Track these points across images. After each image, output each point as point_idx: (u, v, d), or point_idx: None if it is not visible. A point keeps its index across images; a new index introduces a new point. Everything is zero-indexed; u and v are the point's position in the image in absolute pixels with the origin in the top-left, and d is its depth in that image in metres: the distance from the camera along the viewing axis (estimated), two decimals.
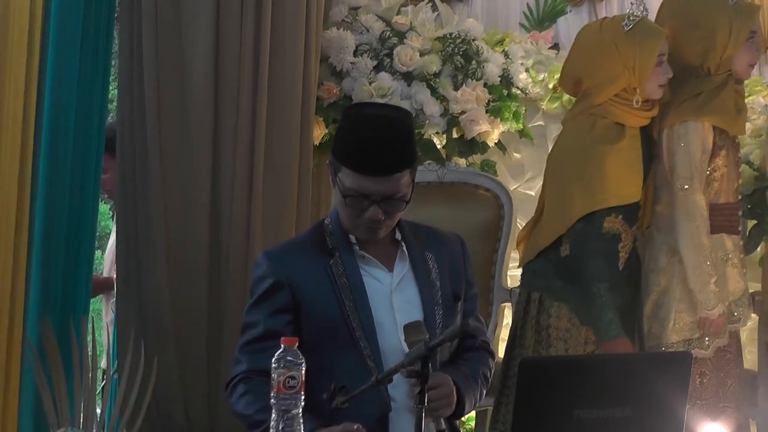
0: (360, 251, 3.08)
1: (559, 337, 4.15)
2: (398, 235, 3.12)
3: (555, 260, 4.18)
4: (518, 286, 4.37)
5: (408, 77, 4.83)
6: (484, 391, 3.17)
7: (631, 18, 4.12)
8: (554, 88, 5.02)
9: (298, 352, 2.54)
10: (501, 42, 5.10)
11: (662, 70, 4.15)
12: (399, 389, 2.97)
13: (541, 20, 5.40)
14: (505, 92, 4.96)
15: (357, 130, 3.00)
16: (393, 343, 3.01)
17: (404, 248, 3.12)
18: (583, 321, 4.11)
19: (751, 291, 4.38)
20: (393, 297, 3.06)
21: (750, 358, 4.75)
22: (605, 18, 4.48)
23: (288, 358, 2.53)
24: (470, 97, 4.81)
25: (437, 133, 4.88)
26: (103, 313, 5.40)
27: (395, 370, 2.64)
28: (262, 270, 3.09)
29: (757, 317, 4.59)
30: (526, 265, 4.30)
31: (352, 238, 3.09)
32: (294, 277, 3.05)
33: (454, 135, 4.90)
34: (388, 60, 4.83)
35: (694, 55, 4.23)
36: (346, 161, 2.98)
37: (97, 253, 5.16)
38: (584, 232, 4.08)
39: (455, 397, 2.97)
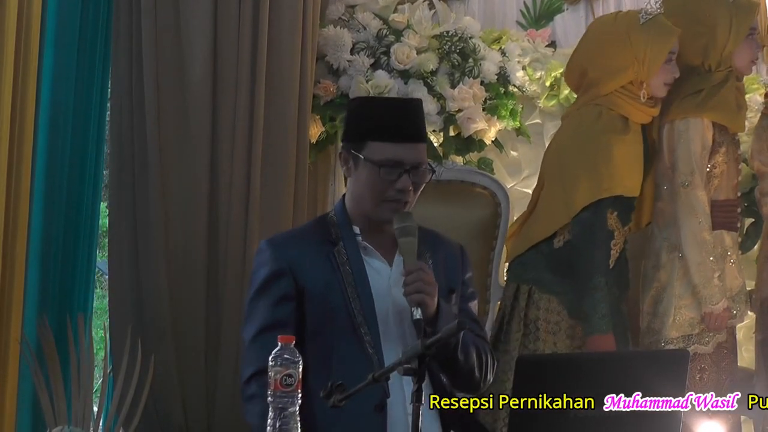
0: (362, 242, 3.11)
1: (549, 331, 4.14)
2: None
3: (547, 252, 4.17)
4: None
5: (405, 75, 4.83)
6: (474, 355, 3.10)
7: (647, 13, 4.15)
8: (551, 86, 5.02)
9: (295, 350, 2.54)
10: (498, 40, 5.09)
11: (670, 68, 4.18)
12: (396, 376, 2.95)
13: (538, 18, 5.40)
14: (502, 90, 4.95)
15: (378, 106, 3.16)
16: (393, 332, 3.04)
17: None
18: (572, 313, 4.11)
19: (747, 289, 4.39)
20: (392, 290, 3.07)
21: (747, 356, 4.75)
22: (620, 11, 4.49)
23: (285, 356, 2.52)
24: (467, 95, 4.81)
25: (434, 131, 4.87)
26: None
27: (392, 368, 2.63)
28: (263, 257, 3.10)
29: (754, 315, 4.59)
30: (514, 258, 4.29)
31: (356, 229, 3.12)
32: (296, 264, 3.07)
33: (451, 133, 4.89)
34: (385, 58, 4.83)
35: (695, 53, 4.25)
36: (376, 134, 3.05)
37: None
38: (591, 221, 4.07)
39: (436, 288, 2.97)
